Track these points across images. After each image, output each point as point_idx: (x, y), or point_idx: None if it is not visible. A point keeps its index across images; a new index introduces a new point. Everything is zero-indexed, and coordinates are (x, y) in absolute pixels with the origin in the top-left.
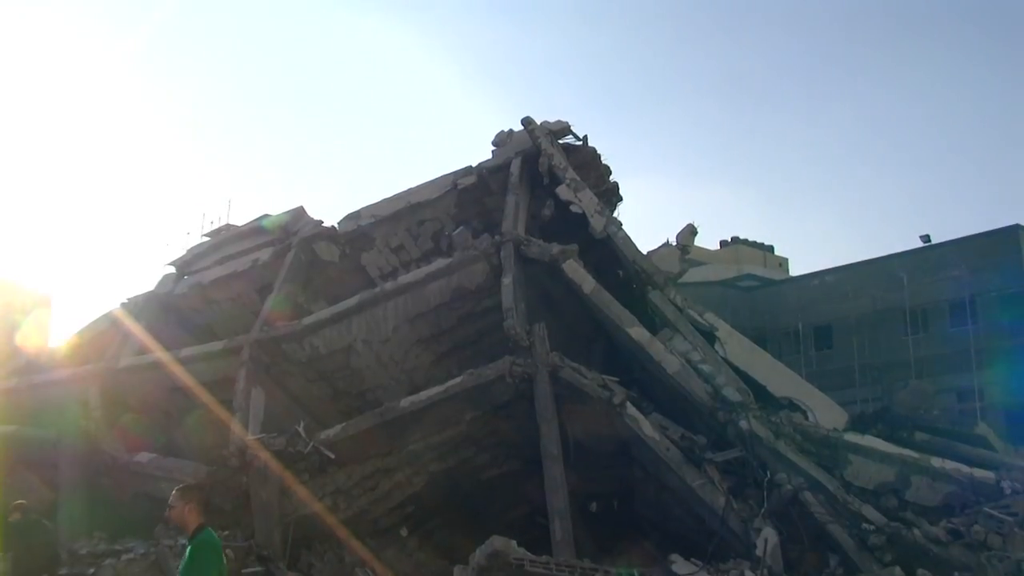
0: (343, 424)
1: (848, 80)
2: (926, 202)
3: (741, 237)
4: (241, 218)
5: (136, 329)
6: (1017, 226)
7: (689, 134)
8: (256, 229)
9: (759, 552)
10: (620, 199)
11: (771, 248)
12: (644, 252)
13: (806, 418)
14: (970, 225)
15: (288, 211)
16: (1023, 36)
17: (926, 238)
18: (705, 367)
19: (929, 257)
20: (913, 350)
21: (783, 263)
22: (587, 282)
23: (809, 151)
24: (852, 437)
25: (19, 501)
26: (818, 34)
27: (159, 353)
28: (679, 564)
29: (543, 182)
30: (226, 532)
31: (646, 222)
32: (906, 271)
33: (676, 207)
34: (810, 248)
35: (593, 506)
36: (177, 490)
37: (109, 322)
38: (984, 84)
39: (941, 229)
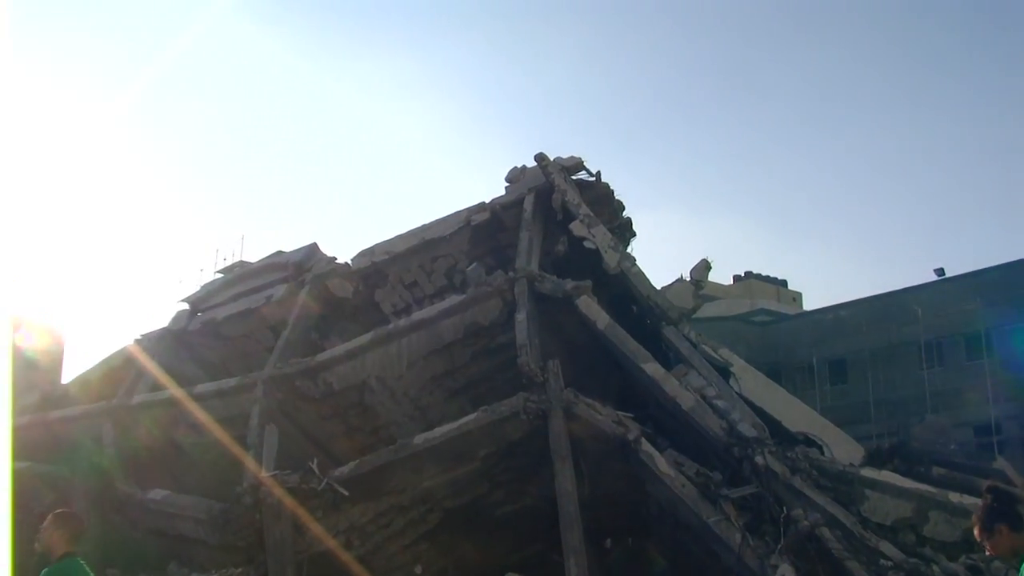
0: (357, 461)
1: (861, 113)
2: (940, 235)
3: (754, 272)
4: (254, 255)
5: (150, 365)
6: None
7: (700, 168)
8: (270, 265)
9: None
10: (634, 234)
11: (784, 282)
12: (658, 287)
13: (822, 453)
14: (985, 258)
15: (301, 248)
16: None
17: (940, 271)
18: (720, 403)
19: (944, 290)
20: (928, 384)
21: (797, 297)
22: (601, 318)
23: (822, 185)
24: (869, 472)
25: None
26: (830, 68)
27: (173, 389)
28: None
29: (556, 218)
30: (239, 570)
31: (658, 257)
32: (921, 305)
33: (688, 242)
34: (824, 282)
35: (608, 543)
36: (52, 514)
37: (123, 358)
38: (1001, 116)
39: (955, 262)
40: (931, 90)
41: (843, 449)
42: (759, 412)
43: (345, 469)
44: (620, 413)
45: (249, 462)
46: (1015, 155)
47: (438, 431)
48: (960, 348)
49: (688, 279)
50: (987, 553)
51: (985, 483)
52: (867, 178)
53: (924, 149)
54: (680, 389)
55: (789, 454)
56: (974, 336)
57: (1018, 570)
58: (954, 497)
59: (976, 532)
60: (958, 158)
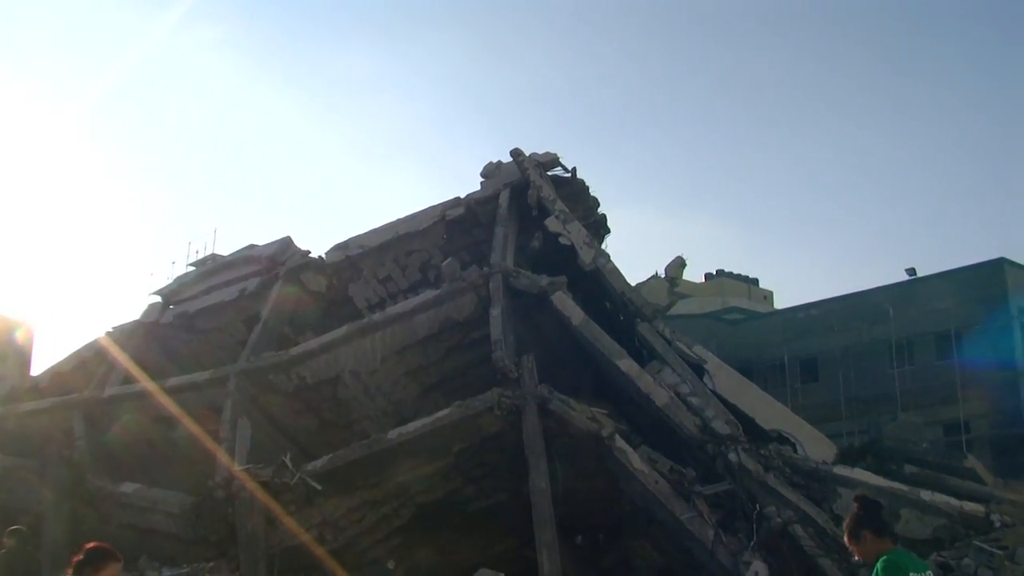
0: (330, 455)
1: (832, 113)
2: (911, 235)
3: (726, 270)
4: (227, 248)
5: (121, 358)
6: (1002, 259)
7: (673, 166)
8: (244, 259)
9: None
10: (608, 231)
11: (756, 281)
12: (632, 284)
13: (795, 451)
14: (955, 258)
15: (275, 241)
16: (1009, 71)
17: (911, 271)
18: (694, 399)
19: (915, 290)
20: (899, 383)
21: (768, 296)
22: (576, 314)
23: (793, 184)
24: (841, 470)
25: (15, 527)
26: (801, 68)
27: (145, 382)
28: None
29: (532, 214)
30: (211, 563)
31: (628, 254)
32: (892, 304)
33: (658, 239)
34: (795, 281)
35: (579, 539)
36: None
37: (94, 351)
38: (971, 117)
39: (926, 262)
40: (904, 90)
41: (816, 447)
42: (733, 409)
43: (318, 463)
44: (594, 409)
45: (222, 456)
46: (988, 155)
47: (412, 426)
48: (931, 347)
49: (662, 276)
50: (855, 559)
51: (857, 494)
52: (839, 178)
53: (897, 149)
54: (654, 385)
55: (762, 451)
56: (944, 335)
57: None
58: (925, 495)
59: (845, 539)
60: (930, 158)
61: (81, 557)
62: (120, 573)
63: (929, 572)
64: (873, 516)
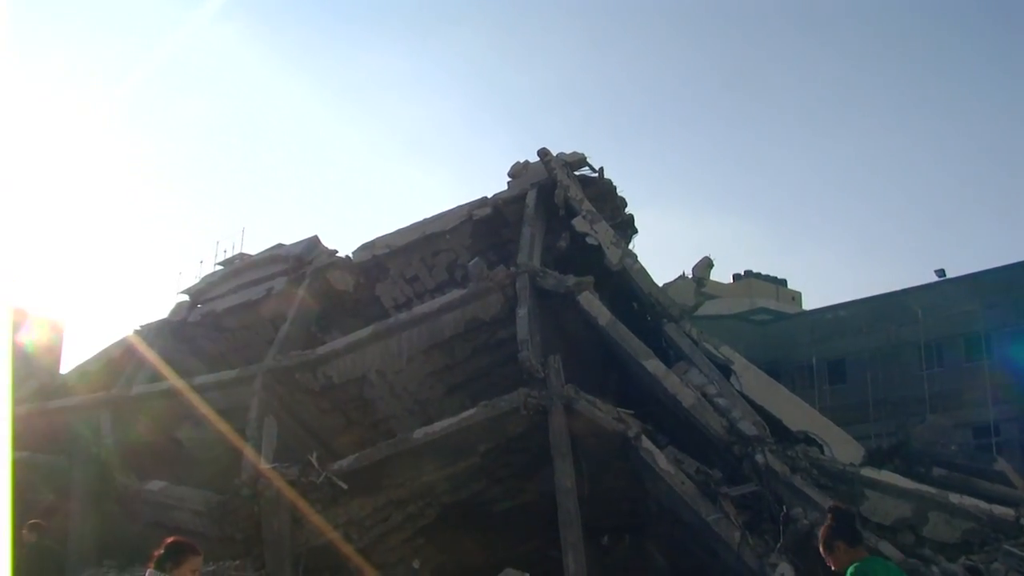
0: (356, 455)
1: (863, 113)
2: (941, 236)
3: (754, 271)
4: (255, 247)
5: (149, 356)
6: None
7: (701, 167)
8: (270, 258)
9: None
10: (635, 231)
11: (784, 282)
12: (659, 285)
13: (822, 452)
14: (985, 260)
15: (302, 240)
16: None
17: (941, 272)
18: (721, 400)
19: (944, 292)
20: (928, 385)
21: (796, 297)
22: (603, 314)
23: (822, 183)
24: (869, 472)
25: (35, 520)
26: (831, 68)
27: (172, 380)
28: None
29: (559, 214)
30: (237, 562)
31: (656, 254)
32: (921, 305)
33: (686, 240)
34: (823, 282)
35: (605, 540)
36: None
37: (122, 349)
38: (1003, 117)
39: (956, 263)
40: (932, 90)
41: (843, 448)
42: (760, 410)
43: (344, 463)
44: (620, 410)
45: (248, 454)
46: (1017, 156)
47: (437, 426)
48: (960, 349)
49: (690, 276)
50: (832, 568)
51: (831, 505)
52: (868, 178)
53: (925, 149)
54: (681, 386)
55: (789, 453)
56: (974, 337)
57: None
58: (954, 498)
59: (820, 549)
60: (959, 158)
61: (161, 551)
62: (200, 567)
63: None
64: (846, 527)
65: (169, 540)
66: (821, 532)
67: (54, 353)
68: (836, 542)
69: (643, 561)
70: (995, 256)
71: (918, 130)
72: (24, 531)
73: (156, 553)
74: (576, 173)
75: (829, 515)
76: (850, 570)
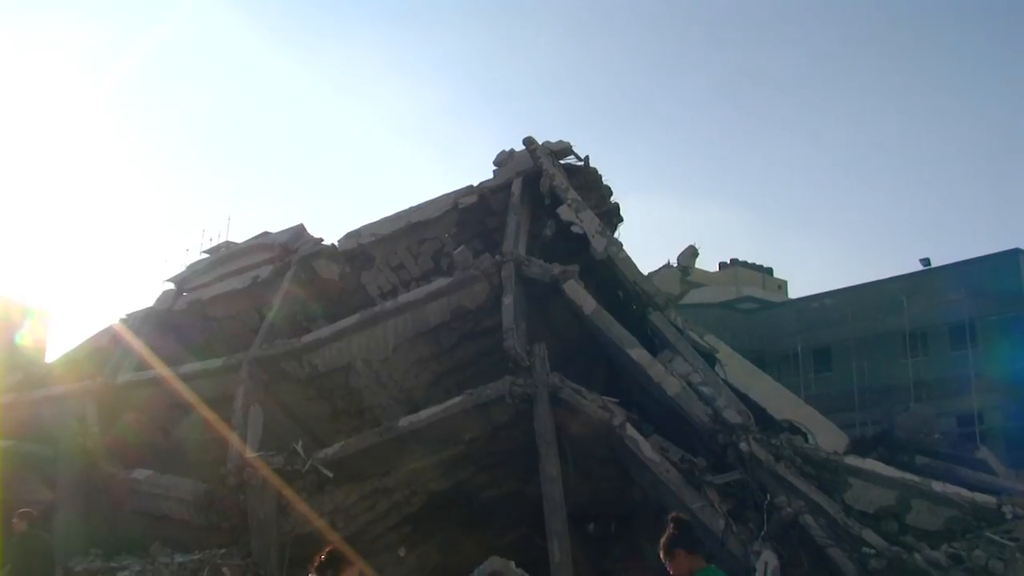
0: (342, 443)
1: (847, 101)
2: (926, 225)
3: (739, 259)
4: (241, 235)
5: (135, 344)
6: (1017, 250)
7: (687, 155)
8: (257, 247)
9: (759, 575)
10: (621, 220)
11: (770, 270)
12: (644, 273)
13: (806, 441)
14: (970, 248)
15: (288, 228)
16: None
17: (926, 261)
18: (705, 389)
19: (929, 280)
20: (912, 373)
21: (782, 285)
22: (588, 303)
23: (808, 173)
24: (853, 460)
25: (25, 509)
26: (815, 56)
27: (158, 369)
28: None
29: (544, 202)
30: (223, 550)
31: (641, 242)
32: (906, 294)
33: (674, 228)
34: (809, 271)
35: (591, 528)
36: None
37: (108, 338)
38: (987, 107)
39: (941, 252)
40: (919, 80)
41: (827, 437)
42: (744, 399)
43: (330, 451)
44: (606, 398)
45: (234, 443)
46: (1003, 146)
47: (423, 414)
48: (944, 338)
49: (675, 265)
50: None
51: (671, 515)
52: (854, 167)
53: (912, 139)
54: (666, 375)
55: (774, 441)
56: (958, 326)
57: None
58: (937, 486)
59: (661, 555)
60: (946, 148)
61: (323, 558)
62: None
63: None
64: (686, 535)
65: (328, 548)
66: (663, 539)
67: (40, 342)
68: (676, 550)
69: (629, 549)
70: (980, 245)
71: (905, 120)
72: (14, 520)
73: (317, 559)
74: (562, 162)
75: (670, 524)
76: None
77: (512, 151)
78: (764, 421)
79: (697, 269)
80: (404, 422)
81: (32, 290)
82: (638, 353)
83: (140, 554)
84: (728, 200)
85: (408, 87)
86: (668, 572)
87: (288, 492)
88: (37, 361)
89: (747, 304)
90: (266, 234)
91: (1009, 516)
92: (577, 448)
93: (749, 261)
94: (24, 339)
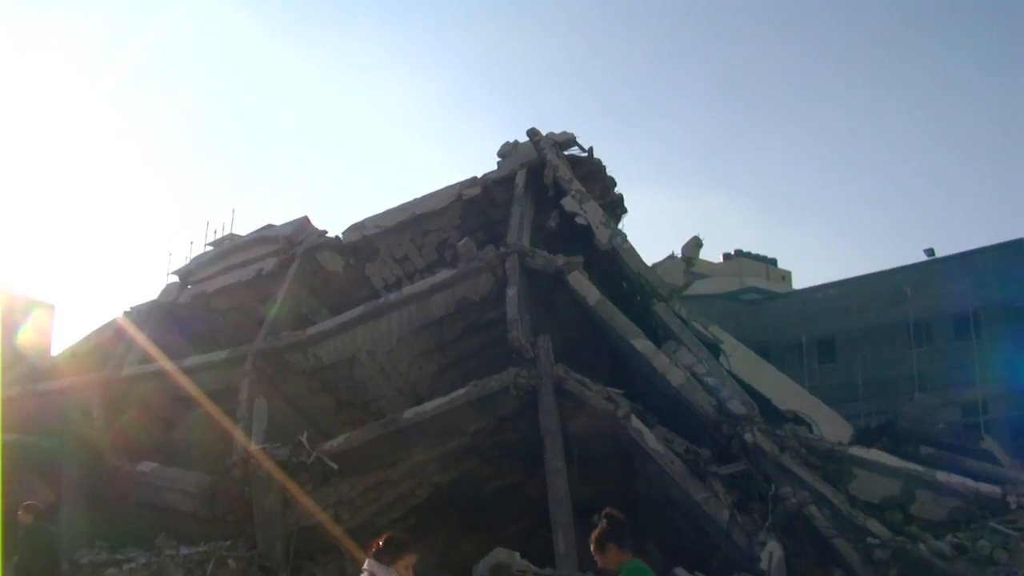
0: (346, 435)
1: (851, 92)
2: (930, 216)
3: (744, 250)
4: (245, 228)
5: (139, 338)
6: (1021, 240)
7: (687, 145)
8: (260, 239)
9: (763, 566)
10: (625, 211)
11: (774, 261)
12: (648, 264)
13: (811, 431)
14: (974, 239)
15: (292, 221)
16: None
17: (930, 252)
18: (710, 379)
19: (933, 271)
20: (917, 364)
21: (786, 276)
22: (592, 294)
23: (811, 163)
24: (857, 451)
25: (29, 502)
26: (819, 46)
27: (162, 362)
28: None
29: (548, 193)
30: (228, 542)
31: (645, 233)
32: (910, 285)
33: (676, 219)
34: (813, 261)
35: (595, 519)
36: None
37: (112, 331)
38: (991, 97)
39: (945, 243)
40: (923, 71)
41: (832, 427)
42: (749, 389)
43: (335, 443)
44: (610, 389)
45: (238, 435)
46: (1008, 137)
47: (428, 406)
48: (948, 329)
49: (679, 256)
50: (599, 566)
51: (605, 511)
52: (858, 158)
53: (917, 130)
54: (670, 365)
55: (778, 432)
56: (962, 317)
57: None
58: (941, 476)
59: (592, 548)
60: (951, 139)
61: (381, 544)
62: (413, 564)
63: None
64: (618, 531)
65: (388, 535)
66: (595, 533)
67: (44, 336)
68: (609, 543)
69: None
70: (984, 236)
71: (909, 110)
72: (20, 512)
73: (375, 545)
74: (565, 153)
75: (604, 519)
76: (624, 570)
77: (516, 142)
78: (768, 412)
79: (701, 260)
80: (409, 414)
81: (36, 284)
82: (642, 344)
83: (145, 546)
84: (732, 191)
85: (412, 79)
86: (598, 564)
87: (293, 484)
88: (42, 354)
89: (751, 295)
90: (270, 227)
91: (1014, 506)
92: (581, 439)
93: (753, 252)
94: (28, 333)
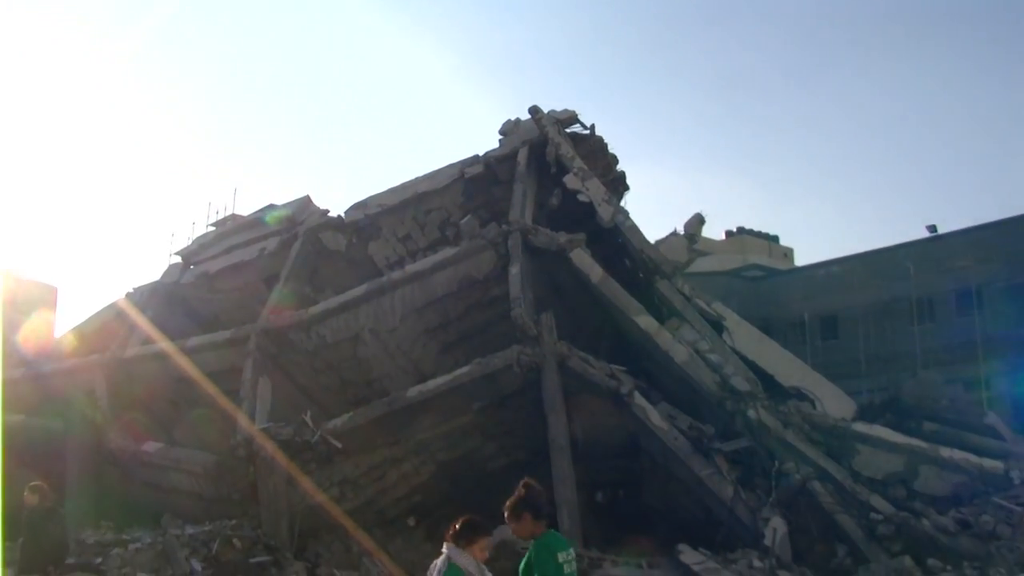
0: (350, 414)
1: (853, 66)
2: (933, 192)
3: (746, 227)
4: (247, 208)
5: (142, 319)
6: None
7: (690, 122)
8: (263, 219)
9: (767, 542)
10: (627, 188)
11: (776, 238)
12: (651, 241)
13: (814, 408)
14: (977, 215)
15: (294, 200)
16: None
17: (933, 228)
18: (713, 356)
19: (936, 247)
20: (919, 340)
21: (788, 253)
22: (595, 271)
23: (814, 139)
24: (860, 427)
25: (36, 483)
26: (820, 18)
27: (165, 343)
28: (687, 554)
29: (550, 171)
30: (233, 522)
31: (648, 211)
32: (912, 261)
33: (678, 196)
34: (816, 238)
35: (599, 496)
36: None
37: (115, 312)
38: (993, 71)
39: (948, 219)
40: (926, 45)
41: (835, 404)
42: (752, 366)
43: (339, 422)
44: (613, 367)
45: (242, 416)
46: (1011, 112)
47: (431, 384)
48: (951, 305)
49: (682, 233)
50: (512, 534)
51: (523, 481)
52: (861, 134)
53: (918, 106)
54: (673, 342)
55: (781, 408)
56: (965, 293)
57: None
58: (945, 452)
59: (506, 516)
60: (952, 114)
61: (457, 527)
62: (489, 547)
63: (571, 551)
64: (534, 500)
65: (464, 518)
66: (511, 500)
67: (47, 317)
68: (524, 512)
69: (637, 518)
70: (986, 212)
71: (911, 86)
72: (26, 493)
73: (452, 528)
74: (567, 130)
75: (522, 487)
76: (534, 545)
77: (518, 120)
78: (772, 388)
79: (703, 238)
80: (412, 392)
81: (40, 266)
82: (645, 321)
83: (151, 526)
84: (734, 168)
85: (411, 56)
86: (512, 532)
87: (296, 464)
88: (45, 337)
89: (753, 272)
90: (272, 206)
91: (1016, 481)
92: (585, 417)
93: (755, 229)
94: (32, 315)
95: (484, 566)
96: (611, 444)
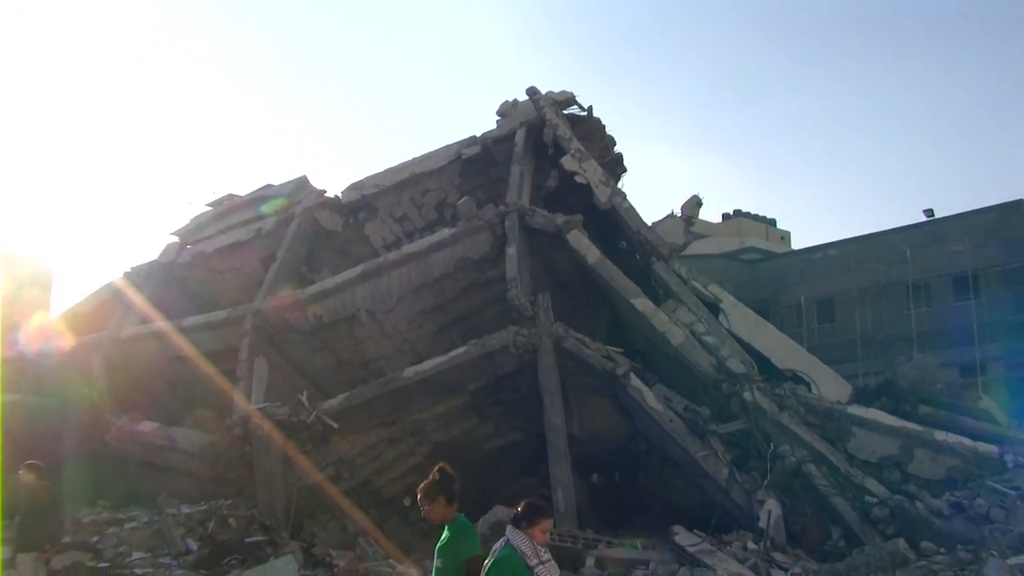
0: (346, 394)
1: (854, 51)
2: (930, 176)
3: (743, 210)
4: (244, 187)
5: (139, 299)
6: (1021, 200)
7: (688, 104)
8: (260, 199)
9: (762, 524)
10: (624, 170)
11: (773, 221)
12: (648, 223)
13: (810, 390)
14: (974, 199)
15: (291, 181)
16: None
17: (929, 212)
18: (709, 339)
19: (932, 231)
20: (916, 324)
21: (785, 236)
22: (591, 253)
23: (812, 123)
24: (856, 410)
25: (31, 461)
26: (819, 7)
27: (162, 323)
28: (682, 535)
29: (548, 152)
30: (229, 501)
31: (645, 193)
32: (909, 245)
33: (675, 178)
34: (813, 221)
35: (595, 478)
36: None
37: (112, 292)
38: (990, 57)
39: (945, 203)
40: (923, 28)
41: (831, 386)
42: (748, 349)
43: (335, 402)
44: (610, 348)
45: (238, 395)
46: (1008, 97)
47: (428, 364)
48: (947, 288)
49: (679, 215)
50: (423, 517)
51: (439, 466)
52: (858, 117)
53: (916, 89)
54: (669, 324)
55: (777, 391)
56: (961, 277)
57: (442, 533)
58: (939, 435)
59: (419, 499)
60: (949, 98)
61: (519, 509)
62: (550, 528)
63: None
64: (448, 486)
65: (526, 501)
66: (426, 483)
67: (44, 296)
68: (438, 496)
69: (633, 499)
70: (983, 196)
71: (908, 69)
72: (21, 472)
73: (514, 511)
74: (565, 112)
75: (437, 471)
76: (457, 525)
77: (515, 101)
78: (768, 371)
79: (700, 220)
80: (409, 372)
81: (37, 246)
82: (642, 303)
83: (147, 506)
84: (731, 150)
85: (407, 36)
86: (423, 515)
87: (292, 444)
88: (42, 316)
89: (750, 255)
90: (269, 186)
91: (1011, 464)
92: (581, 398)
93: (752, 212)
94: (29, 294)
95: (540, 548)
96: (607, 426)
